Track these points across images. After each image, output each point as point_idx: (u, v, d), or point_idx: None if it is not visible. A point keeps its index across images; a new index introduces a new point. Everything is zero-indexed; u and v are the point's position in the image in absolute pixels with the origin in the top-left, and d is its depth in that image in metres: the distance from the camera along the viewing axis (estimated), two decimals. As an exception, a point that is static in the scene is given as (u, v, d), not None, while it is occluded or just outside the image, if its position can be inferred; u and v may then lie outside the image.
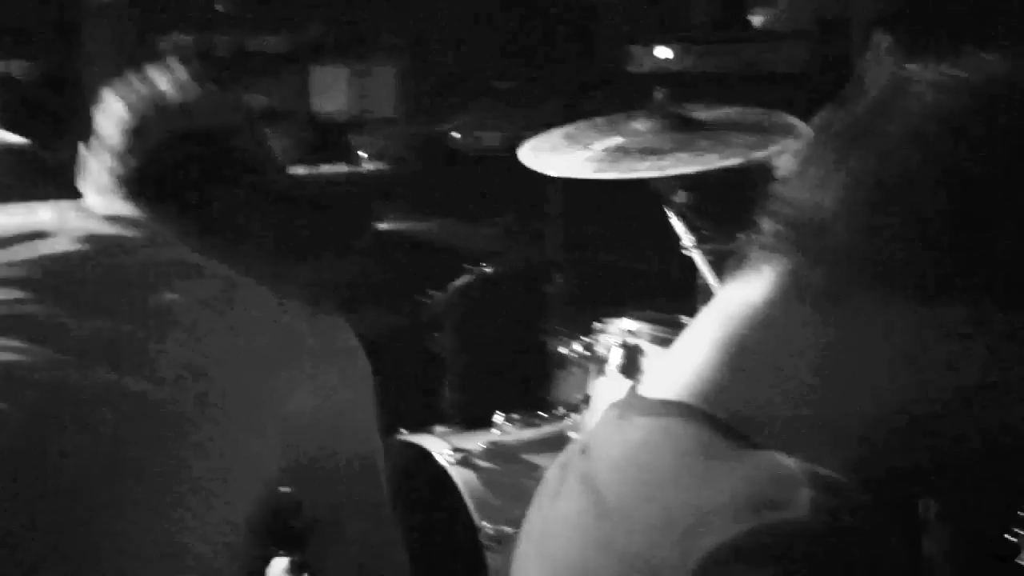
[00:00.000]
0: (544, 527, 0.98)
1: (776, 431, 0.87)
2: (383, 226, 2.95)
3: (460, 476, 2.48)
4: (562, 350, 2.71)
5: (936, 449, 0.90)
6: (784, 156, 0.94)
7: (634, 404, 0.95)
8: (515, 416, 2.67)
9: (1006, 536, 1.73)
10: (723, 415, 0.88)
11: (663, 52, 3.49)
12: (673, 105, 2.51)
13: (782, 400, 0.88)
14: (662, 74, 3.58)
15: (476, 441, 2.57)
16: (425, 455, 2.56)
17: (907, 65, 0.89)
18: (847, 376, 0.88)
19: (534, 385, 2.89)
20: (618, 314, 2.64)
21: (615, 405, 0.98)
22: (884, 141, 0.86)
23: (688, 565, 0.79)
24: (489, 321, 3.20)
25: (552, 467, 1.03)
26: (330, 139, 3.90)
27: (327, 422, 1.56)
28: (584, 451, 0.97)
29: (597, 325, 2.66)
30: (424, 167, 3.81)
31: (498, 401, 2.79)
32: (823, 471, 0.82)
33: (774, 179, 0.91)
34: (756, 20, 3.76)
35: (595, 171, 2.38)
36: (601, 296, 2.85)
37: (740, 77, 3.71)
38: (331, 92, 4.03)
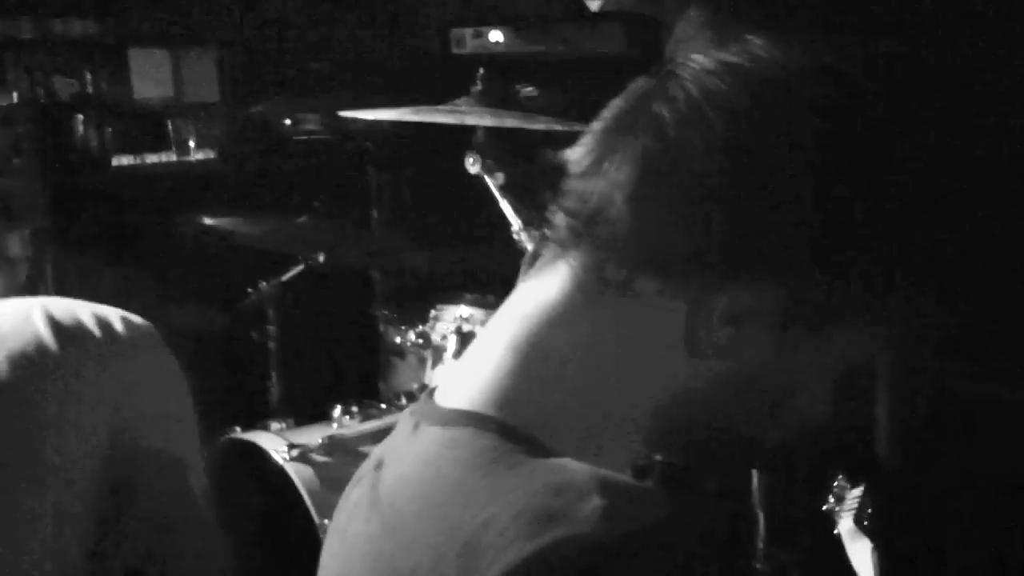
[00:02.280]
0: (338, 545, 0.95)
1: (573, 434, 0.86)
2: (208, 222, 2.86)
3: (296, 472, 2.43)
4: (397, 339, 2.69)
5: (730, 432, 0.91)
6: (571, 149, 0.92)
7: (427, 413, 0.92)
8: (352, 408, 2.63)
9: (823, 508, 1.79)
10: (517, 422, 0.86)
11: (493, 35, 3.47)
12: (497, 87, 2.50)
13: (579, 401, 0.87)
14: (488, 56, 3.56)
15: (312, 436, 2.53)
16: (260, 452, 2.51)
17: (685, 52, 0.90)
18: (641, 369, 0.87)
19: (371, 376, 2.86)
20: (452, 301, 2.63)
21: (410, 414, 0.95)
22: (659, 128, 0.85)
23: None
24: (321, 312, 3.15)
25: (351, 481, 1.00)
26: (153, 126, 3.77)
27: (130, 444, 1.44)
28: (378, 465, 0.94)
29: (432, 313, 2.65)
30: (249, 153, 3.72)
31: (335, 394, 2.75)
32: (616, 477, 0.81)
33: (564, 173, 0.90)
34: (593, 4, 3.77)
35: (397, 116, 2.39)
36: (435, 283, 2.83)
37: (567, 59, 3.72)
38: (152, 77, 3.90)
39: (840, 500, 1.76)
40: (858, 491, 1.75)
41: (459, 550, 0.80)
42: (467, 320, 2.52)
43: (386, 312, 2.83)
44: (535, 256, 0.92)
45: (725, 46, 0.89)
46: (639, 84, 0.90)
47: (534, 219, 2.44)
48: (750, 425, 0.92)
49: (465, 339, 2.49)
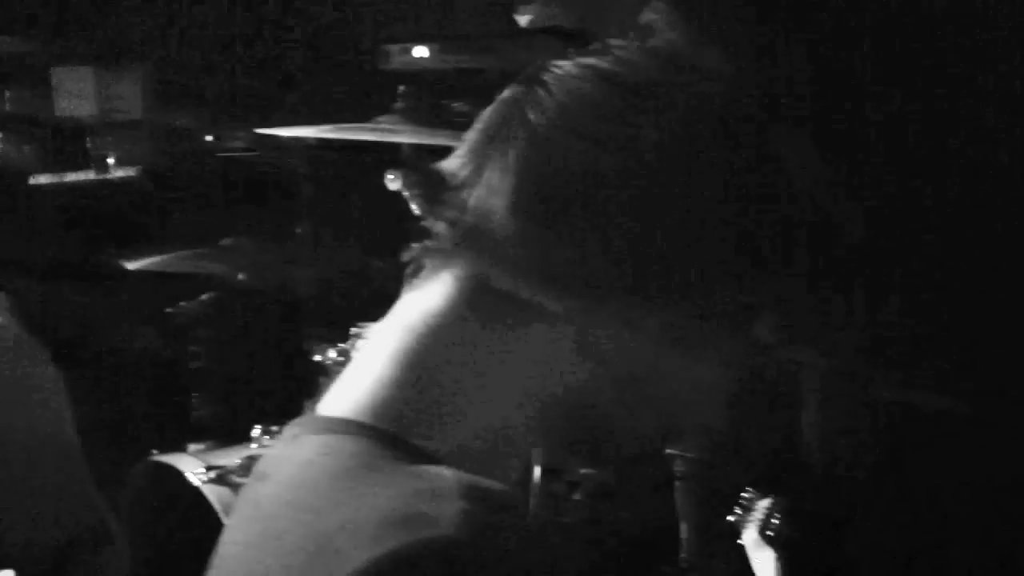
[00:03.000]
0: (219, 558, 0.94)
1: (456, 442, 0.86)
2: (130, 266, 2.80)
3: (215, 495, 2.39)
4: (319, 357, 2.65)
5: (618, 440, 0.92)
6: (447, 158, 0.92)
7: (308, 423, 0.92)
8: (273, 428, 2.59)
9: (728, 518, 1.81)
10: (396, 430, 0.86)
11: (418, 51, 3.45)
12: (422, 102, 2.49)
13: (463, 409, 0.87)
14: (417, 72, 3.55)
15: (232, 457, 2.49)
16: (176, 475, 2.46)
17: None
18: (527, 376, 0.87)
19: (294, 395, 2.82)
20: (375, 318, 2.60)
21: (293, 424, 0.94)
22: (532, 134, 0.86)
23: None
24: (245, 332, 3.11)
25: (240, 492, 0.99)
26: (74, 144, 3.71)
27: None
28: (260, 476, 0.93)
29: (353, 331, 2.62)
30: (169, 171, 3.67)
31: (258, 414, 2.71)
32: (485, 483, 0.81)
33: (446, 183, 0.89)
34: (522, 20, 3.77)
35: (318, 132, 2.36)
36: (357, 300, 2.80)
37: (498, 74, 3.72)
38: (75, 94, 3.84)
39: (748, 511, 1.78)
40: (766, 502, 1.77)
41: (322, 555, 0.79)
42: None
43: (311, 331, 2.80)
44: (417, 267, 0.91)
45: (587, 52, 0.89)
46: (510, 92, 0.90)
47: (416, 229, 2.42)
48: (644, 428, 0.92)
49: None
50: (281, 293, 3.00)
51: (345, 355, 2.56)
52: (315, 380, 2.75)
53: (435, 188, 0.89)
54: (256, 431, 2.59)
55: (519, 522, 0.80)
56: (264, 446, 2.55)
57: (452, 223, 0.87)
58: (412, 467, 0.82)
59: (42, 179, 3.49)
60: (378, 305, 2.86)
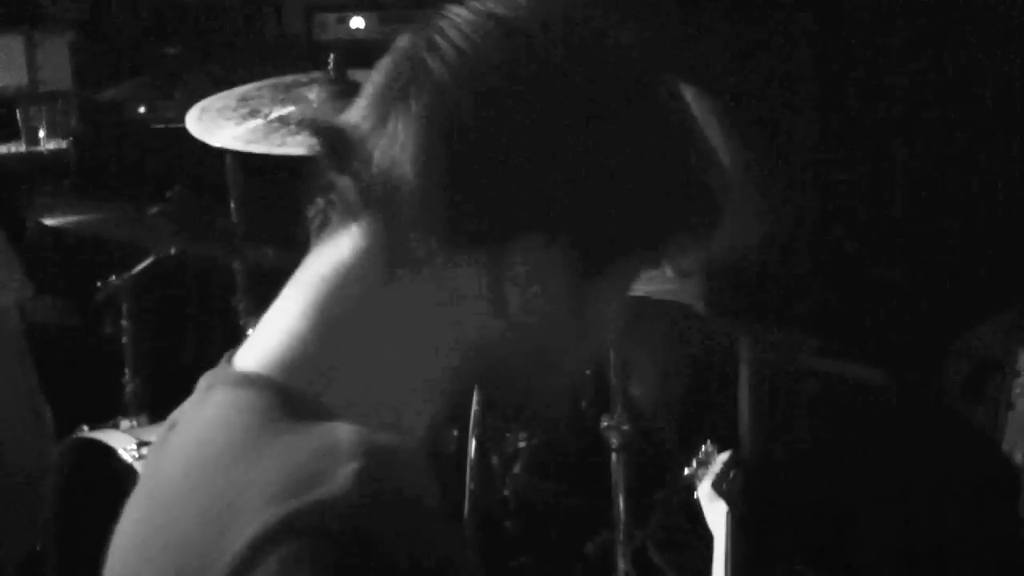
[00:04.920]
0: (128, 506, 0.93)
1: (365, 400, 0.85)
2: (50, 222, 2.75)
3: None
4: (252, 331, 2.62)
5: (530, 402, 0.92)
6: (347, 112, 0.91)
7: (220, 376, 0.90)
8: (205, 404, 2.55)
9: (684, 472, 1.82)
10: (303, 386, 0.84)
11: (355, 21, 3.42)
12: (344, 72, 2.45)
13: (371, 366, 0.86)
14: (349, 42, 3.51)
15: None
16: (109, 452, 2.42)
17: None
18: (435, 332, 0.87)
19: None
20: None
21: (208, 375, 0.93)
22: (434, 83, 0.84)
23: (225, 552, 0.74)
24: (177, 306, 3.06)
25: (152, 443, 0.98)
26: (3, 115, 3.64)
27: None
28: (170, 427, 0.92)
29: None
30: (99, 142, 3.61)
31: (187, 390, 2.67)
32: (383, 440, 0.80)
33: (347, 135, 0.88)
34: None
35: (245, 144, 2.30)
36: (289, 272, 2.77)
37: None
38: (3, 64, 3.76)
39: (704, 465, 1.81)
40: (723, 456, 1.80)
41: (218, 514, 0.78)
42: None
43: (244, 304, 2.76)
44: (324, 220, 0.89)
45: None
46: (406, 40, 0.88)
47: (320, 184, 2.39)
48: (556, 382, 0.92)
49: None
50: (216, 266, 2.96)
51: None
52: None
53: (337, 141, 0.88)
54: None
55: (417, 480, 0.79)
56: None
57: (355, 176, 0.86)
58: (313, 425, 0.81)
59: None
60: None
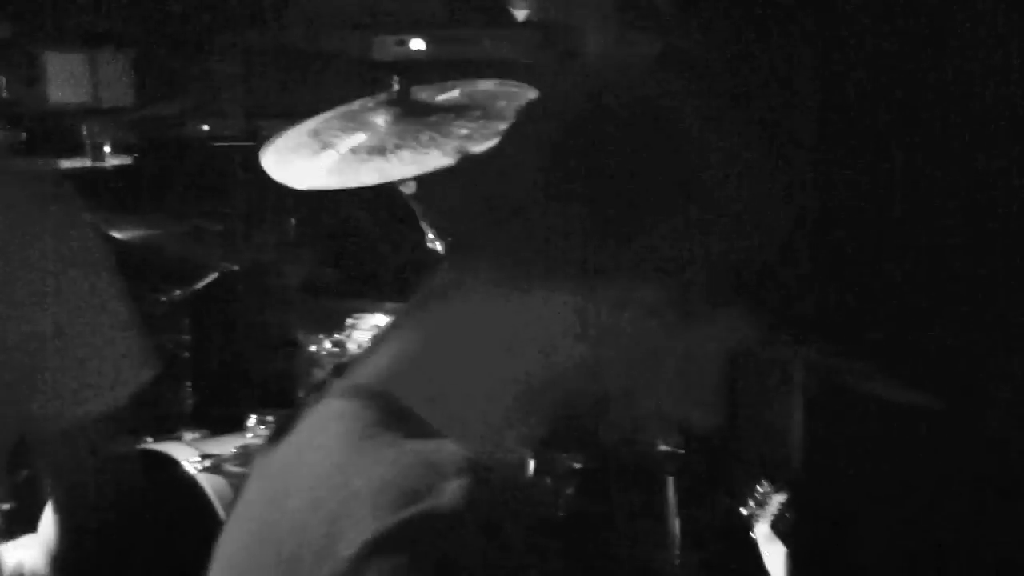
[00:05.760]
0: (236, 511, 0.97)
1: (460, 415, 0.89)
2: (116, 234, 2.80)
3: (209, 483, 2.40)
4: (313, 348, 2.66)
5: (608, 427, 0.94)
6: (475, 146, 0.96)
7: (332, 387, 0.95)
8: (268, 418, 2.60)
9: (740, 510, 1.83)
10: (407, 399, 0.89)
11: (415, 43, 3.47)
12: (408, 93, 2.48)
13: (469, 384, 0.90)
14: (406, 63, 3.56)
15: (226, 446, 2.50)
16: (172, 463, 2.47)
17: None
18: (529, 356, 0.90)
19: (287, 385, 2.83)
20: (370, 309, 2.61)
21: (312, 390, 0.98)
22: (562, 124, 0.89)
23: (337, 553, 0.78)
24: (236, 321, 3.11)
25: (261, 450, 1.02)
26: (68, 131, 3.71)
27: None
28: (282, 435, 0.96)
29: (348, 321, 2.63)
30: (160, 158, 3.67)
31: (250, 403, 2.72)
32: (486, 458, 0.84)
33: (468, 167, 0.92)
34: (519, 14, 3.80)
35: (326, 181, 2.33)
36: (349, 291, 2.81)
37: (483, 65, 3.73)
38: (68, 81, 3.84)
39: (761, 505, 1.81)
40: (780, 497, 1.80)
41: (325, 522, 0.82)
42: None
43: (302, 320, 2.81)
44: (436, 249, 0.94)
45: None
46: (542, 81, 0.92)
47: (440, 217, 2.44)
48: (635, 415, 0.95)
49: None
50: (275, 282, 3.01)
51: (340, 346, 2.57)
52: (308, 371, 2.77)
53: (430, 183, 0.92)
54: (251, 420, 2.60)
55: (516, 498, 0.83)
56: (258, 435, 2.56)
57: (470, 207, 0.91)
58: (415, 439, 0.85)
59: (44, 164, 3.48)
60: (370, 296, 2.86)
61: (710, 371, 0.95)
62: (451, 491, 0.79)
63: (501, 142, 0.95)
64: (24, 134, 3.63)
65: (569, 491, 2.39)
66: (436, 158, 2.28)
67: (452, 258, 0.95)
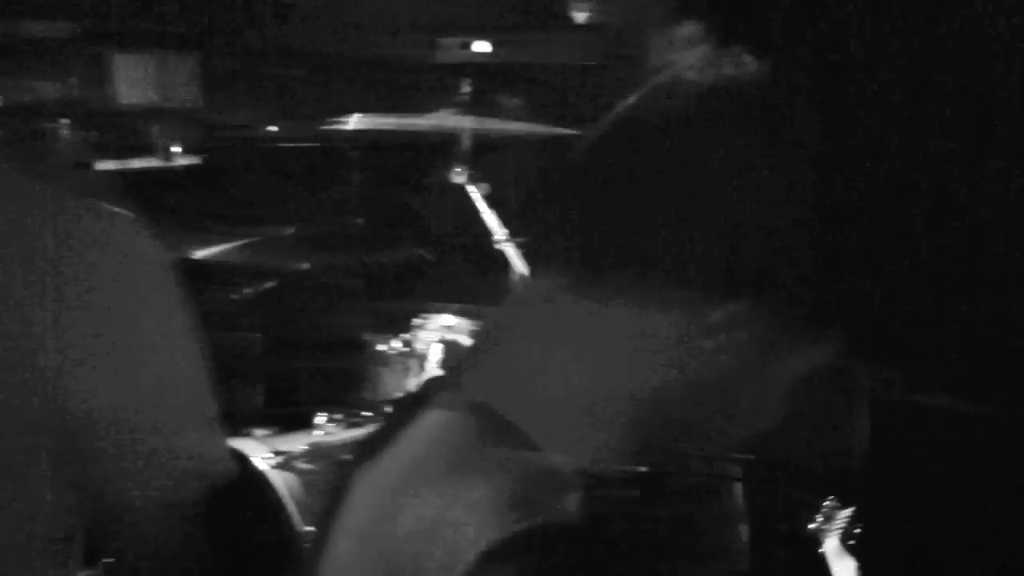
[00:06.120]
0: (333, 526, 0.99)
1: (558, 428, 0.90)
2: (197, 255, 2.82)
3: (280, 480, 2.44)
4: (381, 347, 2.70)
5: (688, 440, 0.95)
6: (563, 161, 0.97)
7: (425, 399, 0.97)
8: (337, 416, 2.64)
9: (808, 527, 1.83)
10: (512, 414, 0.89)
11: (479, 45, 3.49)
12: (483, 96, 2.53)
13: (568, 398, 0.93)
14: (473, 66, 3.58)
15: (296, 443, 2.53)
16: (243, 459, 2.51)
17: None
18: (629, 371, 0.95)
19: (354, 384, 2.87)
20: (437, 309, 2.64)
21: (406, 399, 1.00)
22: (658, 141, 0.89)
23: (452, 566, 0.80)
24: (305, 319, 3.15)
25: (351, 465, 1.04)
26: (137, 132, 3.77)
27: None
28: (380, 443, 0.99)
29: (415, 321, 2.66)
30: (228, 159, 3.72)
31: (318, 401, 2.75)
32: (598, 470, 0.85)
33: (550, 179, 0.94)
34: (578, 16, 3.81)
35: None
36: (414, 291, 2.84)
37: (544, 67, 3.75)
38: (136, 82, 3.90)
39: (829, 520, 1.80)
40: (847, 512, 1.79)
41: (443, 532, 0.83)
42: (452, 329, 2.53)
43: (369, 320, 2.84)
44: (535, 262, 0.96)
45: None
46: (639, 94, 0.93)
47: (524, 227, 2.47)
48: (714, 429, 0.96)
49: (450, 348, 2.50)
50: (343, 281, 3.05)
51: (408, 345, 2.60)
52: (374, 369, 2.80)
53: (554, 188, 0.94)
54: (320, 418, 2.64)
55: (626, 508, 0.85)
56: (327, 433, 2.59)
57: (573, 222, 0.92)
58: (523, 452, 0.87)
59: (109, 165, 3.54)
60: (430, 299, 2.88)
61: (784, 386, 0.96)
62: (570, 502, 0.81)
63: (593, 153, 0.96)
64: (96, 134, 3.69)
65: (649, 502, 2.40)
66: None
67: (551, 271, 0.97)
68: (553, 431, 0.91)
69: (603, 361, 0.93)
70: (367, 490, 0.98)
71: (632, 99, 0.96)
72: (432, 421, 0.95)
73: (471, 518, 0.83)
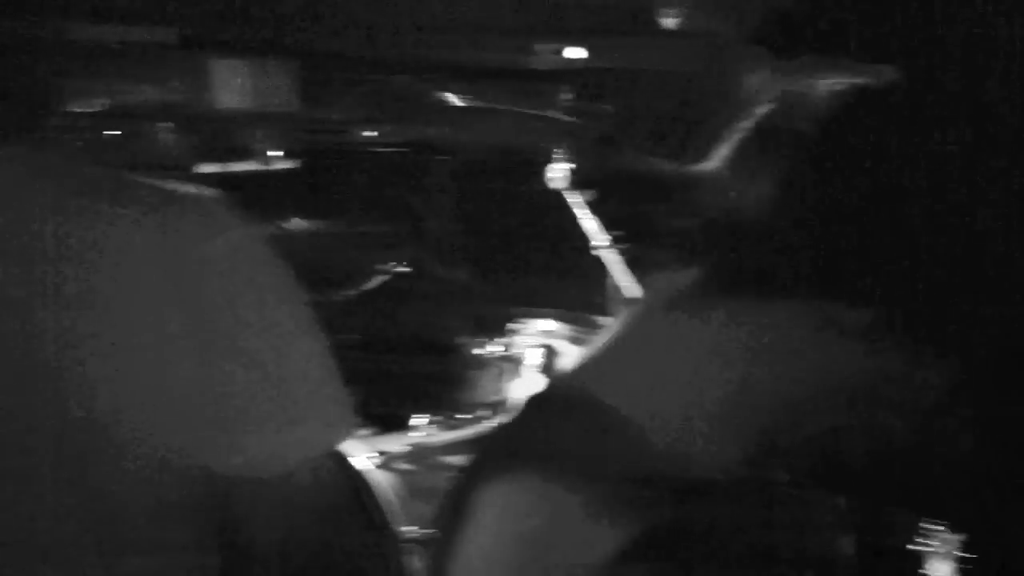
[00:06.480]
0: (460, 525, 1.00)
1: (673, 426, 0.90)
2: (289, 226, 2.89)
3: (381, 479, 2.47)
4: (478, 351, 2.72)
5: (825, 445, 0.95)
6: (700, 162, 0.97)
7: (552, 398, 0.98)
8: (435, 418, 2.66)
9: (910, 547, 1.81)
10: (633, 411, 0.92)
11: (574, 51, 3.50)
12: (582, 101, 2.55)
13: (690, 398, 0.94)
14: (568, 72, 3.59)
15: (396, 443, 2.56)
16: (343, 457, 2.54)
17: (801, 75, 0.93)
18: (758, 373, 0.93)
19: (450, 386, 2.90)
20: (535, 314, 2.66)
21: (531, 400, 1.01)
22: (798, 145, 0.89)
23: (586, 564, 0.82)
24: (401, 321, 3.18)
25: (466, 464, 1.06)
26: (236, 135, 3.83)
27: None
28: (498, 447, 1.00)
29: (512, 325, 2.68)
30: (326, 163, 3.77)
31: (413, 403, 2.78)
32: (723, 474, 0.85)
33: (694, 181, 0.94)
34: (668, 22, 3.80)
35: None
36: (511, 296, 2.86)
37: (636, 74, 3.74)
38: (233, 86, 3.96)
39: (934, 542, 1.78)
40: (956, 537, 1.77)
41: (575, 529, 0.87)
42: (550, 334, 2.55)
43: (466, 323, 2.87)
44: (656, 263, 0.97)
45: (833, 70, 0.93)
46: (772, 109, 0.94)
47: (621, 235, 2.48)
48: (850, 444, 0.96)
49: (549, 352, 2.52)
50: (440, 284, 3.07)
51: (507, 349, 2.62)
52: (471, 373, 2.83)
53: (694, 185, 0.94)
54: (420, 419, 2.66)
55: (747, 514, 0.85)
56: (429, 435, 2.62)
57: (704, 223, 0.93)
58: (647, 451, 0.88)
59: (208, 169, 3.61)
60: (528, 304, 2.89)
61: (891, 398, 0.95)
62: (692, 507, 0.82)
63: (737, 158, 0.97)
64: (194, 138, 3.76)
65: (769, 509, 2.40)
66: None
67: (679, 275, 0.97)
68: (682, 436, 0.92)
69: (739, 367, 0.93)
70: (496, 490, 0.99)
71: (766, 108, 0.97)
72: (556, 423, 0.96)
73: (598, 519, 0.84)
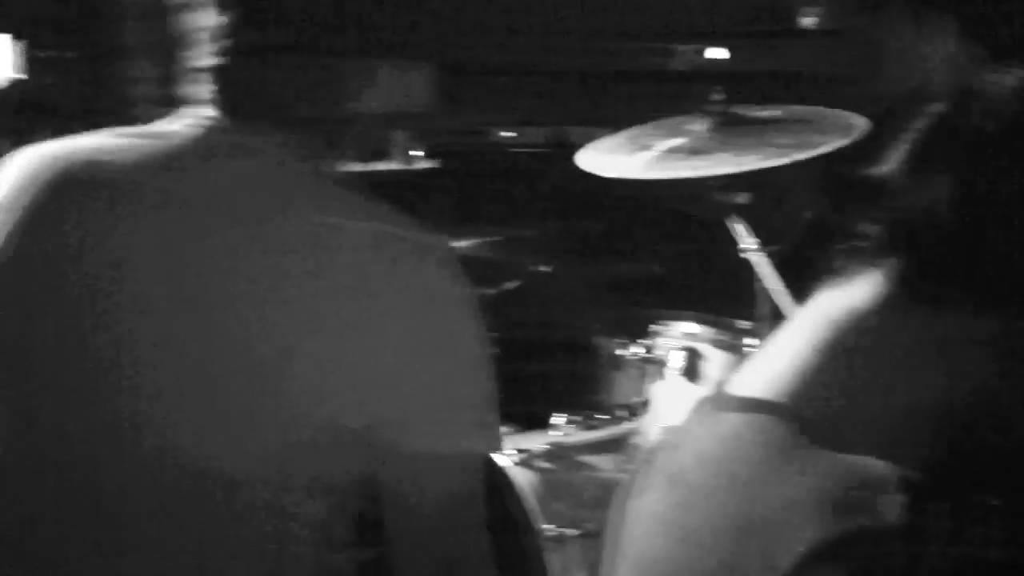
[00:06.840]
0: (631, 524, 1.00)
1: (867, 433, 0.89)
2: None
3: (521, 477, 2.48)
4: (620, 352, 2.71)
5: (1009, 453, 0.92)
6: (884, 160, 0.95)
7: (725, 400, 0.97)
8: (575, 417, 2.67)
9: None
10: (815, 416, 0.90)
11: (716, 52, 3.49)
12: (728, 105, 2.53)
13: (877, 403, 0.90)
14: (708, 73, 3.58)
15: (536, 442, 2.57)
16: (487, 457, 2.56)
17: (984, 70, 0.91)
18: (936, 378, 0.89)
19: (588, 387, 2.90)
20: (677, 317, 2.64)
21: (706, 401, 1.00)
22: (982, 144, 0.88)
23: (774, 565, 0.80)
24: (540, 321, 3.20)
25: (636, 463, 1.05)
26: (378, 136, 3.89)
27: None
28: (672, 446, 0.99)
29: (655, 327, 2.67)
30: (470, 164, 3.81)
31: (552, 402, 2.79)
32: (913, 475, 0.83)
33: (874, 183, 0.92)
34: (806, 21, 3.76)
35: (643, 171, 2.40)
36: (653, 298, 2.85)
37: (784, 76, 3.71)
38: (378, 88, 4.01)
39: None
40: None
41: (761, 531, 0.85)
42: (693, 336, 2.53)
43: (607, 324, 2.87)
44: (838, 266, 0.95)
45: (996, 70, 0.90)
46: (940, 107, 0.92)
47: (772, 239, 2.45)
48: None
49: (692, 355, 2.50)
50: (579, 284, 3.08)
51: (650, 351, 2.61)
52: (612, 374, 2.82)
53: (867, 192, 0.93)
54: (559, 419, 2.67)
55: (944, 514, 0.83)
56: (566, 433, 2.63)
57: (889, 224, 0.92)
58: (841, 455, 0.86)
59: (356, 167, 3.66)
60: (671, 306, 2.87)
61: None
62: (888, 506, 0.81)
63: (914, 158, 0.94)
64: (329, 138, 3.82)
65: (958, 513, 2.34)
66: (754, 161, 2.32)
67: (856, 280, 0.95)
68: (871, 438, 0.90)
69: (927, 375, 0.91)
70: (665, 481, 0.98)
71: (939, 106, 0.95)
72: (729, 423, 0.95)
73: (789, 518, 0.83)
